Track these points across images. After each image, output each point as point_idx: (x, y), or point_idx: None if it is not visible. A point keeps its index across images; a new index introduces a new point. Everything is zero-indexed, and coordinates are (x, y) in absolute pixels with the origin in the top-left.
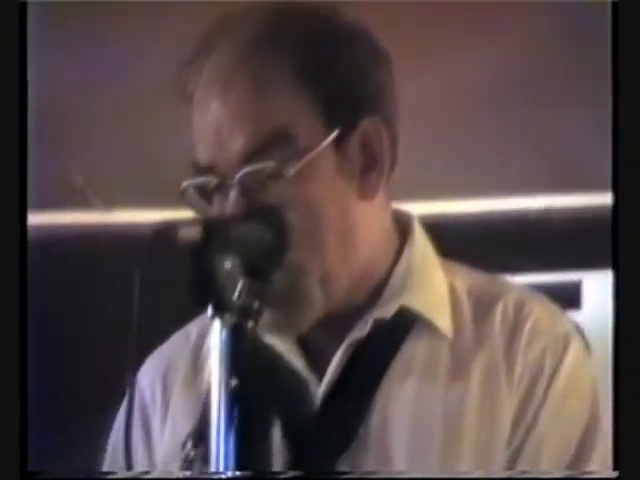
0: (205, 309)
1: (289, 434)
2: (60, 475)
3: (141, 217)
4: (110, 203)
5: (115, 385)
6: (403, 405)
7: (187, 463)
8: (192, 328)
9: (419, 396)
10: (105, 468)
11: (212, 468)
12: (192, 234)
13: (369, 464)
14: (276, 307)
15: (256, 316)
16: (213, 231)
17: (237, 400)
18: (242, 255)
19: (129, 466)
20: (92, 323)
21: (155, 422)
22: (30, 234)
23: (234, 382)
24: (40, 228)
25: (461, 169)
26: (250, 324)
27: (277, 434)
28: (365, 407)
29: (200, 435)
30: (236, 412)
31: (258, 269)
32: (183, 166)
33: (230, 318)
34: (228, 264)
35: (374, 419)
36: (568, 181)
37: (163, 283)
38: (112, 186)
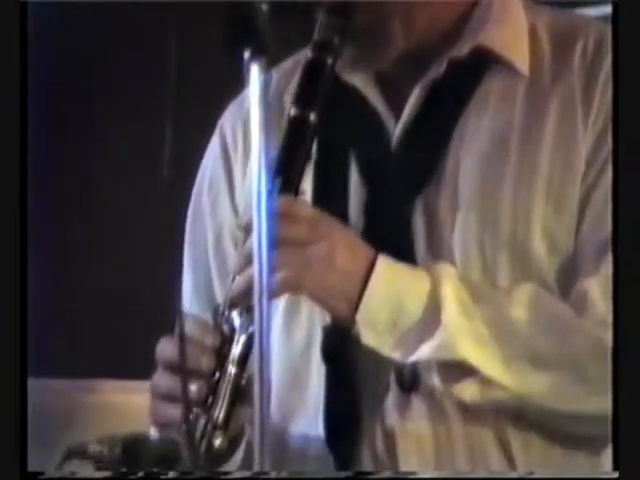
0: None
1: (366, 173)
2: (60, 475)
3: None
4: None
5: None
6: (477, 145)
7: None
8: (273, 73)
9: (493, 136)
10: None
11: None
12: None
13: (441, 204)
14: (356, 43)
15: (336, 51)
16: None
17: (316, 134)
18: None
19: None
20: None
21: (236, 161)
22: None
23: (312, 117)
24: None
25: None
26: (330, 59)
27: (354, 174)
28: (441, 147)
29: (281, 166)
30: (315, 147)
31: (339, 5)
32: None
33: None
34: None
35: (449, 160)
36: None
37: None
38: None
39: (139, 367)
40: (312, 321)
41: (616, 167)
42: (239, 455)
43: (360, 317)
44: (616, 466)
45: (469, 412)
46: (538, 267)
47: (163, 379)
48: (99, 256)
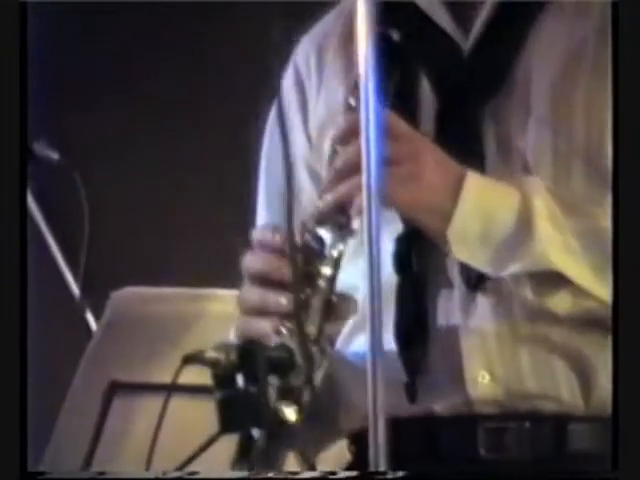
0: None
1: (436, 81)
2: (60, 475)
3: None
4: None
5: None
6: (550, 55)
7: (350, 109)
8: (346, 2)
9: (566, 47)
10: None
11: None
12: None
13: (513, 111)
14: None
15: None
16: None
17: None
18: None
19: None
20: None
21: (310, 90)
22: None
23: (395, 35)
24: None
25: None
26: None
27: (425, 82)
28: (512, 56)
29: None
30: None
31: None
32: None
33: None
34: None
35: (520, 68)
36: None
37: None
38: None
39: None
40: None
41: (616, 167)
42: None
43: (452, 231)
44: (616, 466)
45: (534, 314)
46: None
47: (252, 292)
48: None
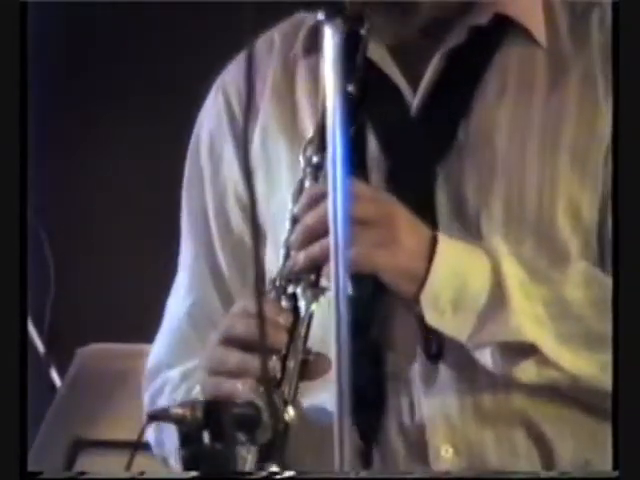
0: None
1: (385, 144)
2: (60, 475)
3: None
4: None
5: None
6: (498, 114)
7: (311, 169)
8: (275, 35)
9: (515, 105)
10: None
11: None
12: None
13: (465, 172)
14: (381, 13)
15: (367, 22)
16: None
17: (354, 107)
18: None
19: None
20: None
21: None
22: None
23: (350, 88)
24: None
25: None
26: (363, 31)
27: (373, 146)
28: (461, 115)
29: (321, 140)
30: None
31: None
32: None
33: (342, 24)
34: None
35: (470, 128)
36: None
37: None
38: None
39: None
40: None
41: (616, 167)
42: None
43: (424, 296)
44: (616, 466)
45: (497, 384)
46: (564, 244)
47: (227, 354)
48: None
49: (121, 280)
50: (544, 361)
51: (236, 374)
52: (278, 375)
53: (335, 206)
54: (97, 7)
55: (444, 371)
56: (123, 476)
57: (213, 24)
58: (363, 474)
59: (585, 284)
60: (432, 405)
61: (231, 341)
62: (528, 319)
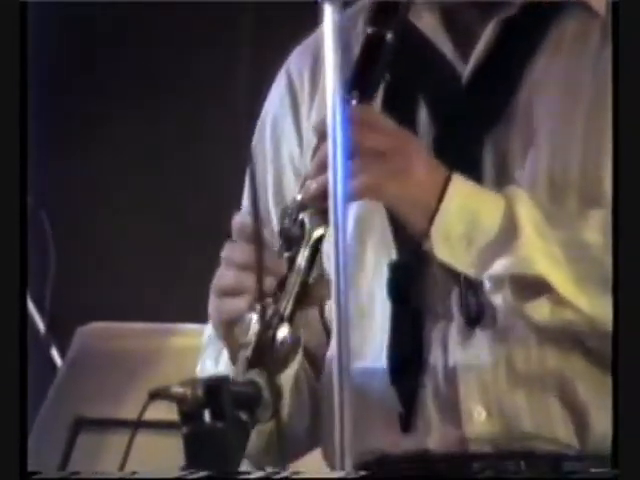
0: None
1: (435, 112)
2: (60, 475)
3: None
4: None
5: None
6: (550, 87)
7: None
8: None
9: (566, 78)
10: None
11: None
12: None
13: (512, 143)
14: None
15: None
16: None
17: (391, 54)
18: None
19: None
20: None
21: (302, 97)
22: None
23: (389, 36)
24: None
25: None
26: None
27: (423, 113)
28: (511, 87)
29: (358, 78)
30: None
31: None
32: None
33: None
34: None
35: (520, 100)
36: None
37: None
38: None
39: None
40: (378, 259)
41: (616, 169)
42: (294, 366)
43: (435, 230)
44: (616, 465)
45: (531, 346)
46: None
47: (228, 275)
48: None
49: (121, 259)
50: (558, 301)
51: (235, 292)
52: (278, 293)
53: (334, 138)
54: (97, 7)
55: (479, 334)
56: (116, 476)
57: (213, 24)
58: (362, 473)
59: (606, 230)
60: (466, 368)
61: (230, 262)
62: (540, 254)
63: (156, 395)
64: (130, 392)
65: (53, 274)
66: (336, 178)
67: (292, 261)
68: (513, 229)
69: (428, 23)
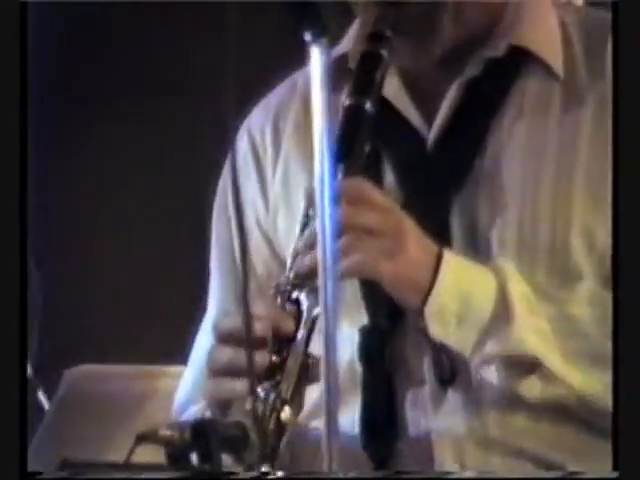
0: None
1: (401, 175)
2: (60, 475)
3: None
4: None
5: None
6: (514, 146)
7: (305, 220)
8: (298, 78)
9: (530, 137)
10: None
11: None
12: None
13: (480, 204)
14: (406, 37)
15: (390, 44)
16: None
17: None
18: None
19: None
20: None
21: (265, 160)
22: None
23: (368, 105)
24: None
25: None
26: (384, 52)
27: (389, 176)
28: (477, 147)
29: (342, 152)
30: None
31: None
32: None
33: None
34: None
35: (486, 160)
36: None
37: None
38: None
39: None
40: (352, 324)
41: (616, 168)
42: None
43: (428, 308)
44: (616, 466)
45: (505, 407)
46: (577, 267)
47: (224, 352)
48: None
49: (107, 303)
50: (548, 377)
51: (233, 372)
52: (278, 376)
53: (323, 214)
54: (97, 7)
55: (453, 395)
56: (117, 476)
57: (213, 24)
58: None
59: (592, 302)
60: (441, 429)
61: (226, 337)
62: (531, 333)
63: (143, 438)
64: (117, 435)
65: (40, 315)
66: (326, 255)
67: (291, 340)
68: (506, 309)
69: (391, 87)
